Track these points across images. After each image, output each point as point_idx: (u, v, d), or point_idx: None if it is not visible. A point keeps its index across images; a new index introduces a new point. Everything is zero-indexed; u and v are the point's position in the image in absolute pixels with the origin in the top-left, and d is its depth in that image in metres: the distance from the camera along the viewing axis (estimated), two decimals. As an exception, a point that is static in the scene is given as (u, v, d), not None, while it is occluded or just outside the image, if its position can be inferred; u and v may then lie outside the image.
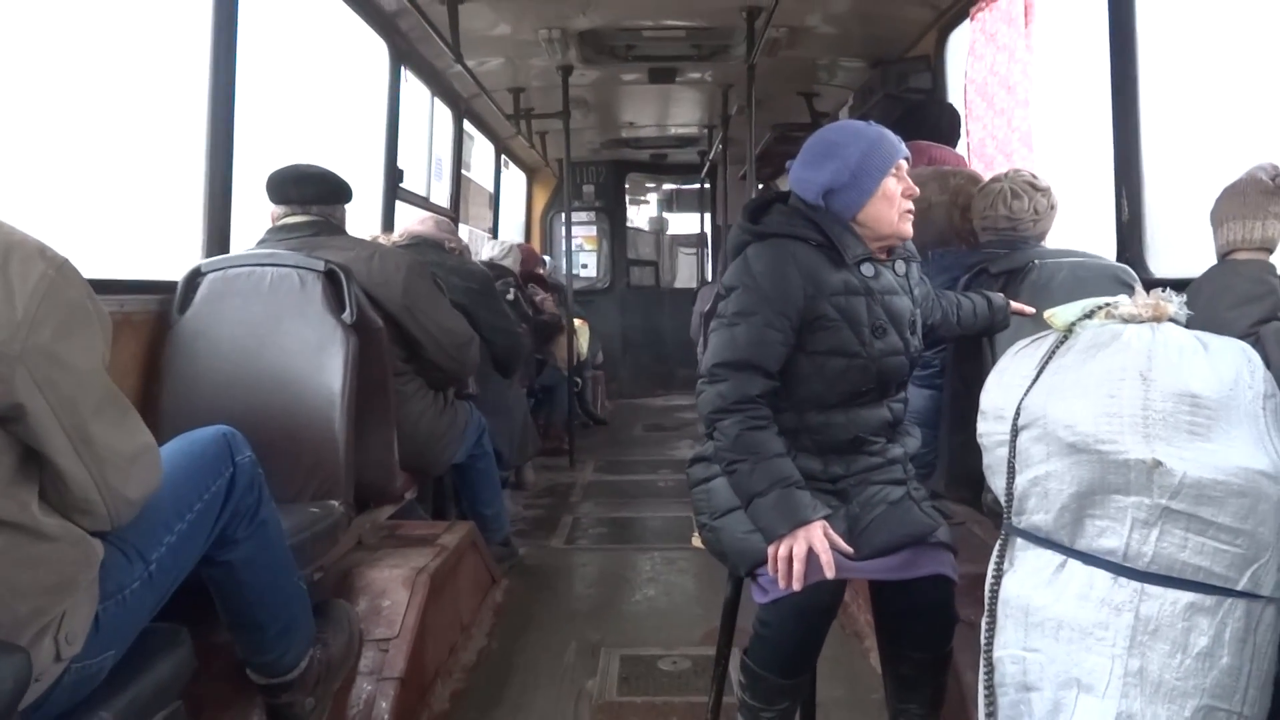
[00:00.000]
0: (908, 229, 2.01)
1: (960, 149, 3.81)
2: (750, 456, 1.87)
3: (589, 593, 3.55)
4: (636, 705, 2.56)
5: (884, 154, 1.96)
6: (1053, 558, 1.50)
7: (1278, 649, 1.40)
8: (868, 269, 1.97)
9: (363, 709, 2.17)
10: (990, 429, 1.65)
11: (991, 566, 1.61)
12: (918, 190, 2.03)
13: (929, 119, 3.63)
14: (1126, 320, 1.54)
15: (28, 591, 1.27)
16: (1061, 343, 1.59)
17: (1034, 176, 2.68)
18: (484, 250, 5.84)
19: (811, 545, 1.78)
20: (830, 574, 1.77)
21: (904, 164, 1.99)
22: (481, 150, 7.35)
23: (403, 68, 4.66)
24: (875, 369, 1.96)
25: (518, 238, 8.40)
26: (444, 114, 5.83)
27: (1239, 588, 1.35)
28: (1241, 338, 1.56)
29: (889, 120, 2.07)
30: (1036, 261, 2.49)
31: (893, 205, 1.96)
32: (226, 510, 1.71)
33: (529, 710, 2.54)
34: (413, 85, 4.95)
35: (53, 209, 2.65)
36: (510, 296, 5.03)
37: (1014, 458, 1.57)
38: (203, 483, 1.67)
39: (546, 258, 7.70)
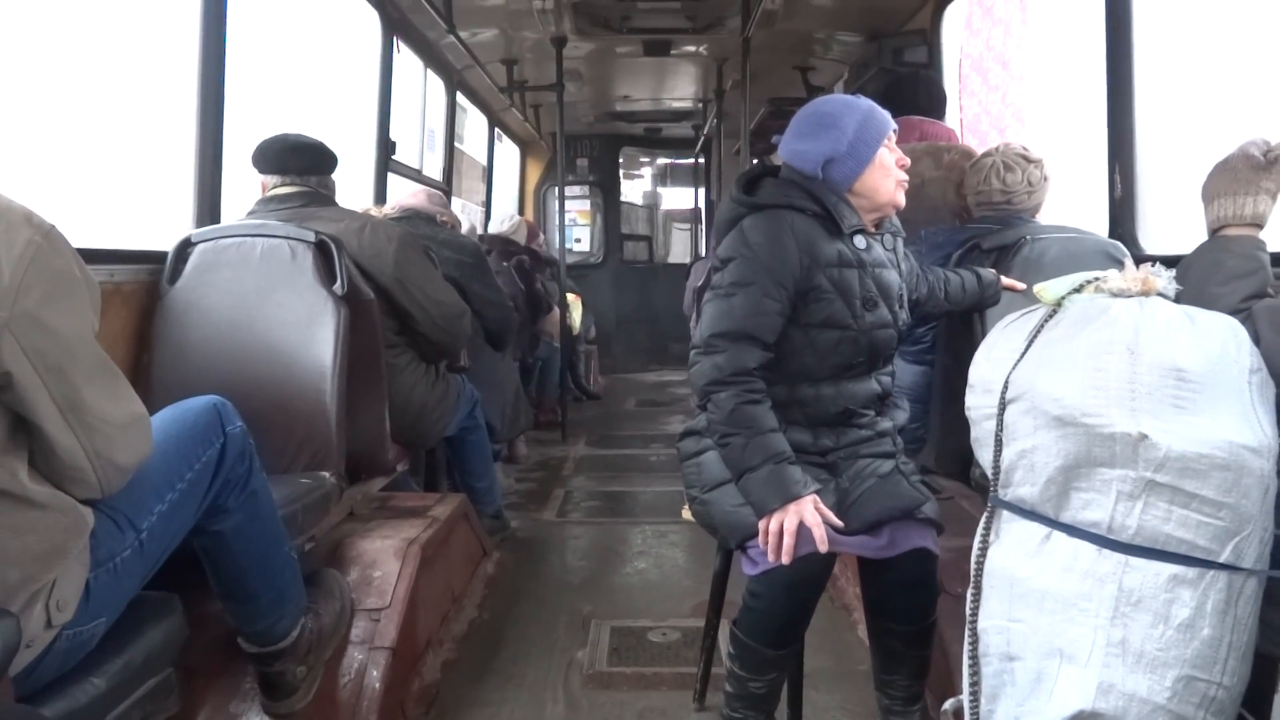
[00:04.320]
0: (902, 198, 2.04)
1: (953, 124, 3.80)
2: (744, 431, 1.88)
3: (580, 565, 3.57)
4: (626, 675, 2.58)
5: (877, 125, 1.99)
6: (1038, 530, 1.51)
7: (1258, 620, 1.42)
8: (860, 241, 1.99)
9: (354, 678, 2.18)
10: (978, 402, 1.65)
11: (977, 538, 1.62)
12: (909, 161, 2.06)
13: (906, 93, 3.60)
14: (1115, 294, 1.54)
15: (18, 558, 1.27)
16: (1050, 316, 1.60)
17: (1025, 149, 2.68)
18: (491, 225, 5.84)
19: (803, 519, 1.79)
20: (823, 548, 1.79)
21: (893, 135, 2.02)
22: (475, 123, 7.30)
23: (395, 38, 4.61)
24: (866, 341, 1.98)
25: (511, 212, 8.36)
26: (437, 85, 5.77)
27: (1221, 560, 1.36)
28: (1232, 314, 1.57)
29: (878, 94, 2.07)
30: (1028, 237, 2.49)
31: (888, 175, 1.99)
32: (217, 480, 1.71)
33: (520, 680, 2.56)
34: (405, 56, 4.91)
35: (43, 179, 2.64)
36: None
37: (1001, 431, 1.57)
38: (193, 452, 1.67)
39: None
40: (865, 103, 2.01)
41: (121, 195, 2.98)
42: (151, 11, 3.03)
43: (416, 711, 2.36)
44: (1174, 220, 2.71)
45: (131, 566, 1.51)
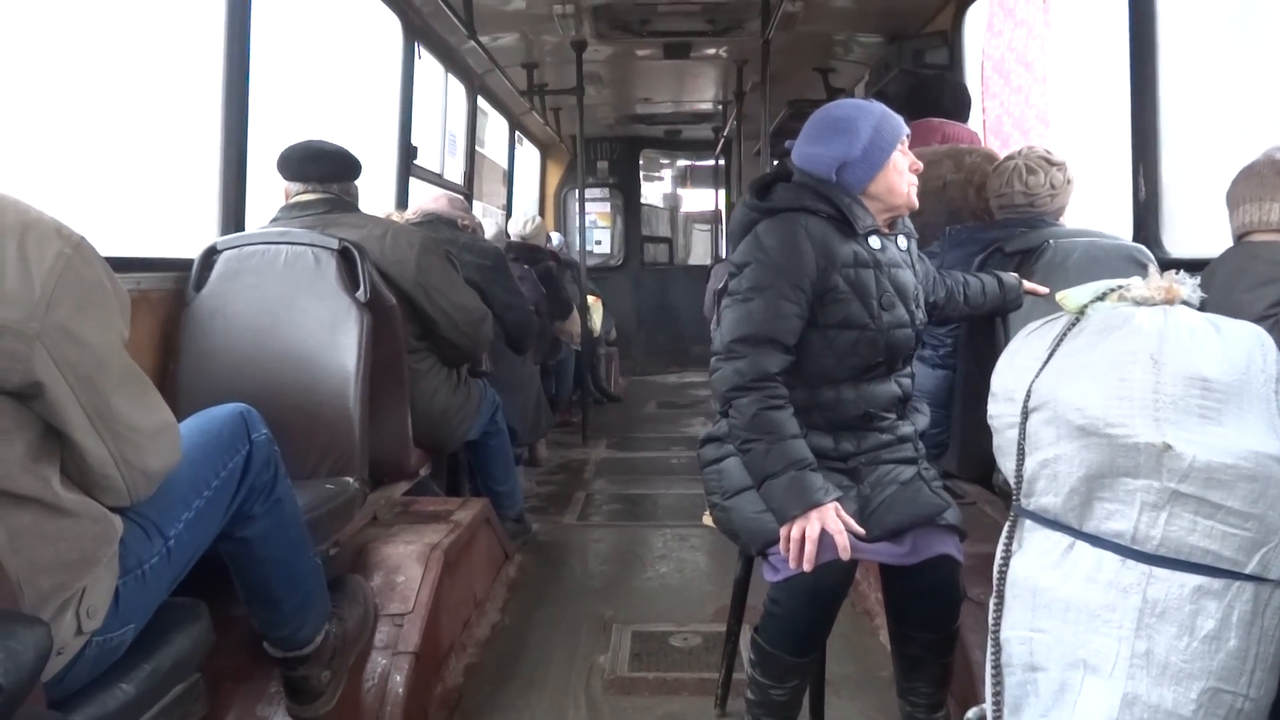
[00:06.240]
0: (915, 200, 2.05)
1: (975, 126, 3.78)
2: (766, 436, 1.88)
3: (601, 569, 3.58)
4: (648, 680, 2.58)
5: (891, 129, 2.01)
6: (1061, 539, 1.50)
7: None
8: (874, 242, 2.01)
9: (377, 682, 2.20)
10: (1001, 411, 1.65)
11: (1000, 547, 1.61)
12: (922, 166, 2.07)
13: (930, 95, 3.58)
14: (1139, 303, 1.53)
15: (49, 566, 1.29)
16: (1073, 325, 1.59)
17: (1048, 152, 2.66)
18: (512, 228, 5.86)
19: (825, 526, 1.79)
20: (845, 556, 1.78)
21: (907, 139, 2.03)
22: (495, 127, 7.33)
23: (416, 43, 4.64)
24: (884, 341, 1.98)
25: (531, 213, 8.39)
26: (458, 90, 5.81)
27: (1247, 571, 1.35)
28: (1258, 320, 1.55)
29: (901, 96, 2.08)
30: (1051, 241, 2.48)
31: (902, 176, 2.01)
32: (243, 487, 1.73)
33: (541, 684, 2.57)
34: (426, 61, 4.94)
35: (70, 188, 2.67)
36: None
37: (1024, 440, 1.56)
38: (220, 460, 1.69)
39: (555, 234, 7.68)
40: (878, 107, 2.02)
41: (148, 203, 3.01)
42: (175, 20, 3.06)
43: (439, 716, 2.37)
44: (1199, 223, 2.68)
45: (160, 573, 1.53)
